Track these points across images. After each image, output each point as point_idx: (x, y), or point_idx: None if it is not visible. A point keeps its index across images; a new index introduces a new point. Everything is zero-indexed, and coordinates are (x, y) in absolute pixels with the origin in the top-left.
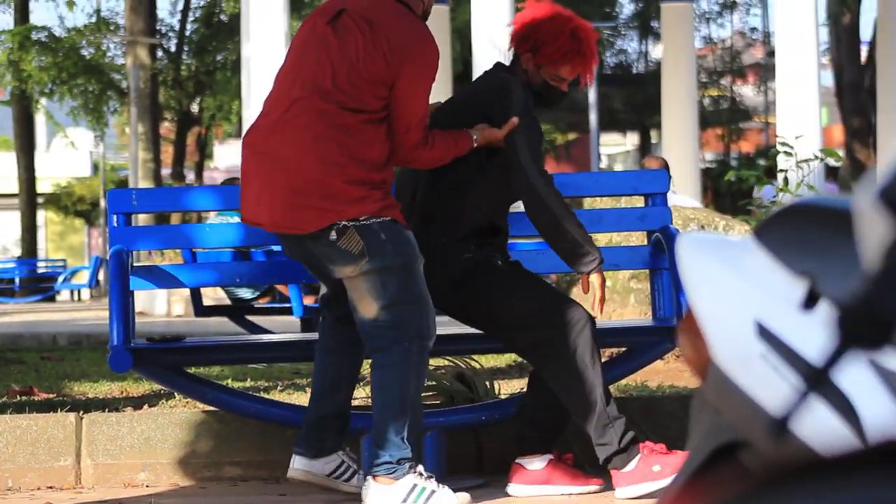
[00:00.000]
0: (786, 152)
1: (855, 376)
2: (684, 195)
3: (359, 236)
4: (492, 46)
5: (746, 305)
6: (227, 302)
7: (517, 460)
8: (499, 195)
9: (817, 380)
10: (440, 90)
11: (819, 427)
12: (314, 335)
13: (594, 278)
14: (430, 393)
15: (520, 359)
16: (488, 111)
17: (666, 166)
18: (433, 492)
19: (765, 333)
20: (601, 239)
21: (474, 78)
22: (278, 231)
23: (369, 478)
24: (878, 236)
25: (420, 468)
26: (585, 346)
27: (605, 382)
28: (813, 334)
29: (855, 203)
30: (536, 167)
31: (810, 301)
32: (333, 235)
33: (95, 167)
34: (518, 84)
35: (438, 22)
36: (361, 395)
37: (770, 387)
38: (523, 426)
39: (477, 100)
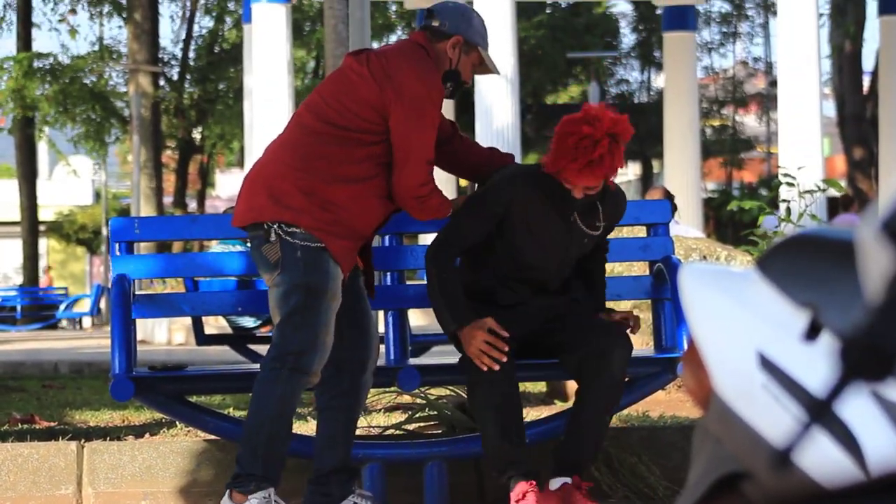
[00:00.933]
0: (788, 183)
1: (857, 408)
2: (687, 225)
3: (279, 247)
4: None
5: (748, 336)
6: (229, 331)
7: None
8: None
9: (820, 411)
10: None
11: (821, 458)
12: None
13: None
14: (432, 423)
15: (521, 388)
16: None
17: (669, 196)
18: None
19: (767, 364)
20: None
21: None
22: (235, 224)
23: (227, 490)
24: (880, 268)
25: (270, 492)
26: (486, 399)
27: (505, 429)
28: (815, 365)
29: (857, 235)
30: (435, 243)
31: (812, 332)
32: (260, 237)
33: (97, 195)
34: (513, 181)
35: None
36: (363, 423)
37: (772, 418)
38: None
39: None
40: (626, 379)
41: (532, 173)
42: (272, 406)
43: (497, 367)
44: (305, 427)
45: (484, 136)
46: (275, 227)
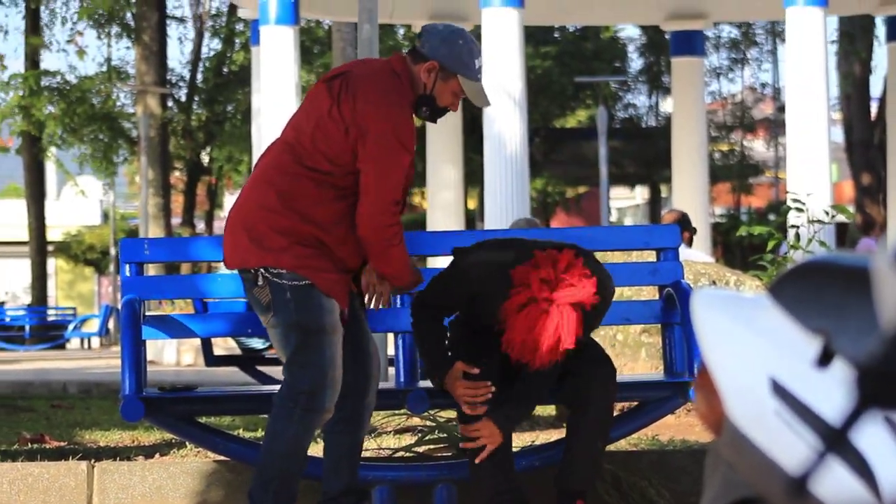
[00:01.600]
0: (797, 208)
1: (872, 436)
2: (696, 250)
3: (268, 290)
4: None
5: (761, 362)
6: (238, 352)
7: None
8: None
9: (836, 440)
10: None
11: (836, 487)
12: None
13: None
14: (442, 445)
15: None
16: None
17: (686, 220)
18: None
19: (779, 390)
20: None
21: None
22: (226, 266)
23: None
24: (895, 296)
25: None
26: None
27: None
28: (827, 391)
29: (872, 263)
30: (416, 297)
31: (825, 358)
32: (250, 280)
33: (105, 215)
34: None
35: None
36: (373, 445)
37: (785, 444)
38: None
39: None
40: (621, 405)
41: (502, 267)
42: (285, 444)
43: (483, 407)
44: (315, 448)
45: (492, 159)
46: (261, 271)
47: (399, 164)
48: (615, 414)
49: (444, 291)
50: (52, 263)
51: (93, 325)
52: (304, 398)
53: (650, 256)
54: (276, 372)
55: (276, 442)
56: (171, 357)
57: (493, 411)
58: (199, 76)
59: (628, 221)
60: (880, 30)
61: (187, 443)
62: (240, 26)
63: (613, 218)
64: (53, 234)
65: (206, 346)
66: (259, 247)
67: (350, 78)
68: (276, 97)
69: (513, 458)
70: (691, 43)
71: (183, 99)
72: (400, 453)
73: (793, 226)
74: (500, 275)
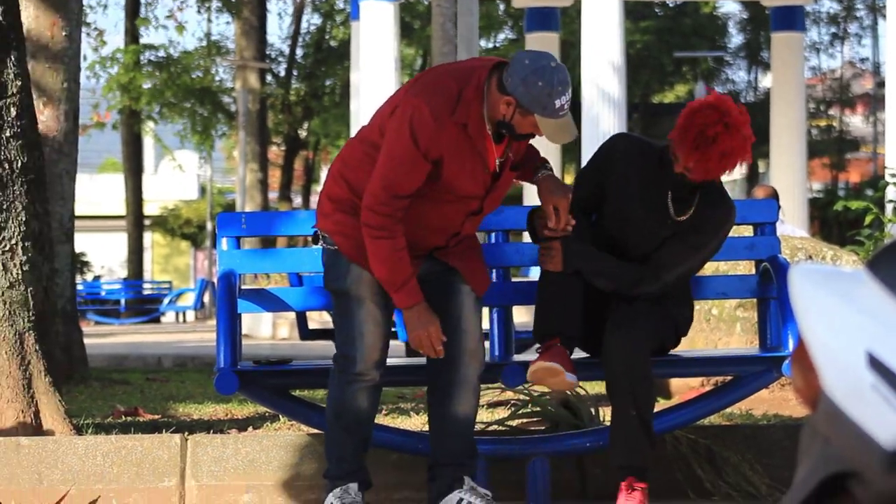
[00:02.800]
0: (895, 183)
1: None
2: (792, 224)
3: (321, 252)
4: (598, 77)
5: (858, 336)
6: (332, 326)
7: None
8: None
9: None
10: None
11: None
12: (420, 359)
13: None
14: (535, 419)
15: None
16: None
17: (775, 195)
18: None
19: (876, 364)
20: (708, 267)
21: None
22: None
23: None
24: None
25: (348, 488)
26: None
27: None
28: None
29: None
30: None
31: None
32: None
33: (202, 190)
34: (619, 138)
35: (548, 48)
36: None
37: (881, 418)
38: None
39: None
40: (716, 380)
41: (641, 140)
42: (330, 409)
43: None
44: (409, 422)
45: (589, 135)
46: (318, 232)
47: (408, 159)
48: (709, 388)
49: (577, 187)
50: (149, 237)
51: (188, 299)
52: (340, 361)
53: (746, 231)
54: None
55: (328, 407)
56: (267, 330)
57: (573, 252)
58: (299, 51)
59: None
60: None
61: (281, 416)
62: (340, 2)
63: None
64: (150, 208)
65: (301, 320)
66: (318, 211)
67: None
68: (375, 72)
69: (572, 306)
70: (792, 18)
71: (282, 74)
72: (493, 427)
73: (890, 200)
74: (637, 144)
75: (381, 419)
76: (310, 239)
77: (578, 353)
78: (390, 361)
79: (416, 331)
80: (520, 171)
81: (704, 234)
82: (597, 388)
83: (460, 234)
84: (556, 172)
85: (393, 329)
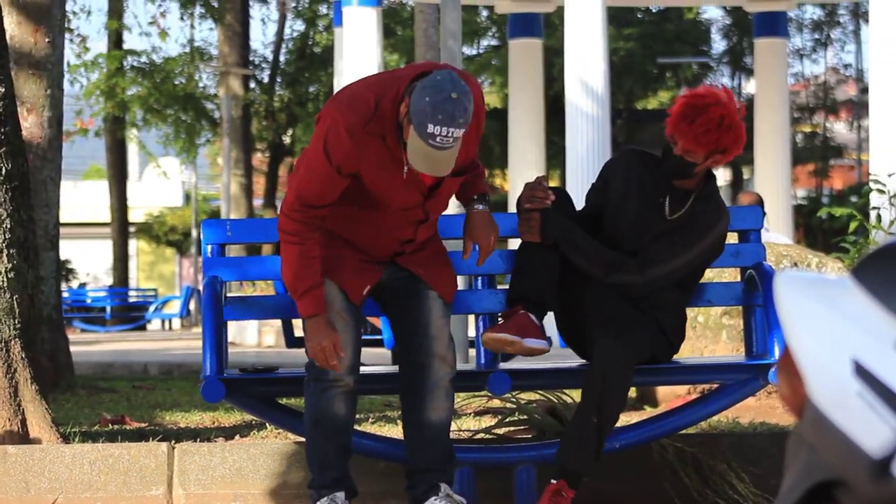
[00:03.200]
0: (879, 189)
1: None
2: (777, 232)
3: None
4: (582, 84)
5: (844, 344)
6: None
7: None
8: None
9: None
10: (532, 120)
11: None
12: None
13: None
14: (522, 427)
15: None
16: None
17: (760, 202)
18: None
19: (862, 372)
20: None
21: (567, 119)
22: None
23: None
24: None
25: (333, 497)
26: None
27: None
28: None
29: None
30: None
31: None
32: None
33: (187, 197)
34: (622, 154)
35: (531, 59)
36: (453, 427)
37: (867, 426)
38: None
39: None
40: (702, 387)
41: (646, 151)
42: (308, 417)
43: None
44: (396, 430)
45: (574, 141)
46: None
47: (321, 172)
48: (696, 396)
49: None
50: (134, 245)
51: (174, 307)
52: (313, 369)
53: (731, 238)
54: None
55: (306, 415)
56: (252, 338)
57: (552, 222)
58: (282, 57)
59: None
60: None
61: (268, 424)
62: (323, 7)
63: None
64: (135, 215)
65: (287, 327)
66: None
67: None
68: (358, 78)
69: (546, 273)
70: (775, 24)
71: (265, 80)
72: (480, 435)
73: (874, 207)
74: (637, 154)
75: (368, 427)
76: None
77: (574, 357)
78: (374, 370)
79: (312, 342)
80: (463, 182)
81: (693, 231)
82: None
83: (414, 240)
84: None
85: (379, 336)
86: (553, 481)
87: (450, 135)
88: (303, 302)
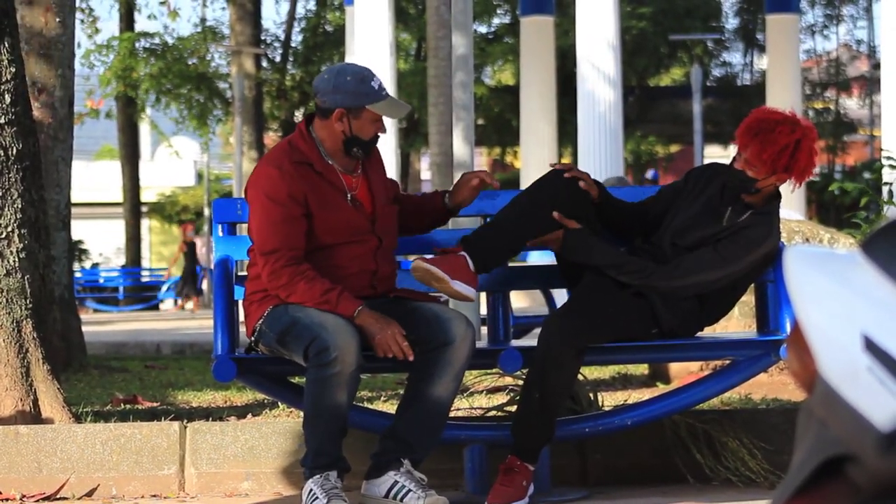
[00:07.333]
0: (891, 165)
1: None
2: (788, 208)
3: None
4: (593, 66)
5: (854, 319)
6: None
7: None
8: None
9: None
10: (544, 107)
11: None
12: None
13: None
14: None
15: (624, 371)
16: None
17: None
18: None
19: (872, 347)
20: None
21: (579, 94)
22: None
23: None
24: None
25: (327, 475)
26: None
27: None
28: None
29: None
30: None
31: None
32: None
33: (199, 177)
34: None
35: (543, 36)
36: (465, 405)
37: (877, 401)
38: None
39: None
40: (714, 364)
41: (723, 164)
42: (308, 404)
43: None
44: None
45: (585, 119)
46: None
47: (264, 213)
48: (708, 372)
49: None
50: (146, 225)
51: None
52: (314, 357)
53: None
54: None
55: (306, 403)
56: None
57: (577, 235)
58: (295, 36)
59: None
60: None
61: (279, 403)
62: None
63: None
64: (147, 195)
65: None
66: (246, 315)
67: None
68: (370, 58)
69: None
70: (787, 0)
71: (278, 59)
72: (492, 412)
73: (886, 183)
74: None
75: (379, 405)
76: None
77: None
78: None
79: (379, 335)
80: (419, 203)
81: (735, 245)
82: (595, 373)
83: (377, 271)
84: (553, 156)
85: None
86: (504, 461)
87: (379, 80)
88: (341, 305)
